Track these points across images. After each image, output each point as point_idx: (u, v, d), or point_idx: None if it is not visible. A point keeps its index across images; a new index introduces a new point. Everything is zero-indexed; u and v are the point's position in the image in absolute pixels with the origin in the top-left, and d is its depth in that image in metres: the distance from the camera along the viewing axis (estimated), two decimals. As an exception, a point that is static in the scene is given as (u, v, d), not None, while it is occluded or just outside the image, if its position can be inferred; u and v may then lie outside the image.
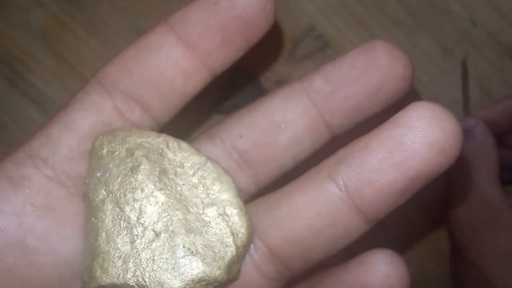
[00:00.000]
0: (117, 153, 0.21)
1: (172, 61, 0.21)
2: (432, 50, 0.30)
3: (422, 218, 0.33)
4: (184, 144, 0.22)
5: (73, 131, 0.21)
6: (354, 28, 0.29)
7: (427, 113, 0.18)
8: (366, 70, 0.22)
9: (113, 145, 0.21)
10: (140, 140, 0.22)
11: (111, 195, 0.21)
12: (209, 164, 0.22)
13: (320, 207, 0.20)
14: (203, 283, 0.20)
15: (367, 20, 0.29)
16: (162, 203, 0.21)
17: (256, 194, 0.24)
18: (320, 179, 0.21)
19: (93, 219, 0.21)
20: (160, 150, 0.21)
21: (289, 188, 0.22)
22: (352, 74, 0.22)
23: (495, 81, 0.31)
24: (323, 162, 0.21)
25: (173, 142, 0.22)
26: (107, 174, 0.21)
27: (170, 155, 0.21)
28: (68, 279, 0.21)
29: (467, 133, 0.30)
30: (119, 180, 0.21)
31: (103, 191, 0.21)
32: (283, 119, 0.23)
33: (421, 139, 0.18)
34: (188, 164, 0.22)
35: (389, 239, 0.32)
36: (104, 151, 0.21)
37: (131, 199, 0.21)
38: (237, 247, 0.21)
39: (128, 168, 0.21)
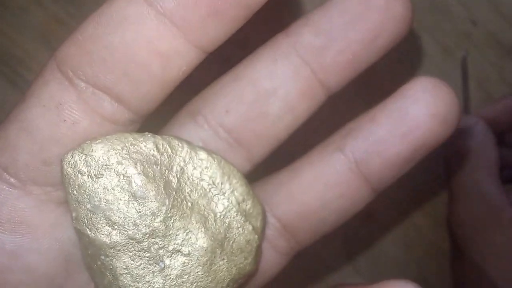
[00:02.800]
0: (104, 175, 0.18)
1: (143, 40, 0.16)
2: (432, 50, 0.30)
3: (422, 218, 0.33)
4: (174, 141, 0.19)
5: (31, 134, 0.18)
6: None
7: (430, 86, 0.19)
8: (361, 13, 0.19)
9: (92, 165, 0.18)
10: (123, 151, 0.18)
11: (118, 228, 0.18)
12: (210, 158, 0.20)
13: (330, 180, 0.21)
14: (239, 281, 0.20)
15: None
16: (179, 222, 0.19)
17: (252, 171, 0.22)
18: (328, 153, 0.21)
19: (102, 257, 0.18)
20: (153, 158, 0.19)
21: (298, 164, 0.22)
22: (345, 20, 0.19)
23: (495, 81, 0.31)
24: (330, 137, 0.21)
25: (161, 143, 0.19)
26: (102, 205, 0.18)
27: (165, 160, 0.19)
28: None
29: (467, 132, 0.30)
30: (120, 209, 0.18)
31: (105, 226, 0.18)
32: (271, 85, 0.21)
33: (425, 110, 0.19)
34: (190, 167, 0.19)
35: (390, 239, 0.32)
36: (84, 177, 0.18)
37: (145, 227, 0.18)
38: (258, 237, 0.20)
39: (127, 192, 0.18)
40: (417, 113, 0.19)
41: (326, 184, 0.21)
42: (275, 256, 0.22)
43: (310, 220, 0.21)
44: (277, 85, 0.20)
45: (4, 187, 0.18)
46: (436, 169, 0.32)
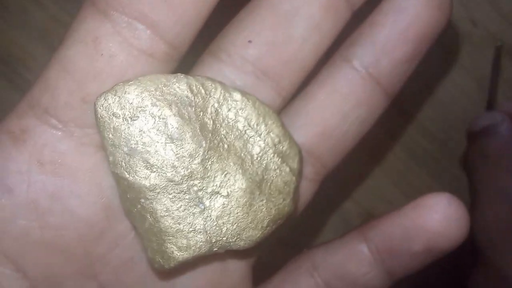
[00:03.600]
0: (139, 118, 0.18)
1: None
2: (432, 49, 0.30)
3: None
4: (207, 82, 0.19)
5: (70, 72, 0.18)
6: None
7: None
8: None
9: (126, 107, 0.18)
10: (157, 92, 0.18)
11: (156, 170, 0.18)
12: (244, 99, 0.19)
13: (345, 91, 0.21)
14: (278, 221, 0.20)
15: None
16: (217, 164, 0.19)
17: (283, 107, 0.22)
18: (337, 67, 0.21)
19: (141, 200, 0.18)
20: (187, 100, 0.18)
21: (310, 88, 0.22)
22: None
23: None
24: (335, 53, 0.22)
25: (195, 84, 0.18)
26: (139, 147, 0.18)
27: (199, 102, 0.18)
28: (90, 240, 0.19)
29: (492, 129, 0.28)
30: (158, 151, 0.18)
31: (143, 169, 0.18)
32: (292, 6, 0.20)
33: (420, 1, 0.20)
34: (225, 108, 0.19)
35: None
36: (119, 120, 0.18)
37: (183, 169, 0.18)
38: (296, 178, 0.20)
39: (163, 134, 0.18)
40: (413, 6, 0.20)
41: (342, 96, 0.21)
42: (303, 184, 0.22)
43: (332, 137, 0.21)
44: (299, 4, 0.20)
45: (46, 128, 0.18)
46: (436, 170, 0.32)
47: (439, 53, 0.32)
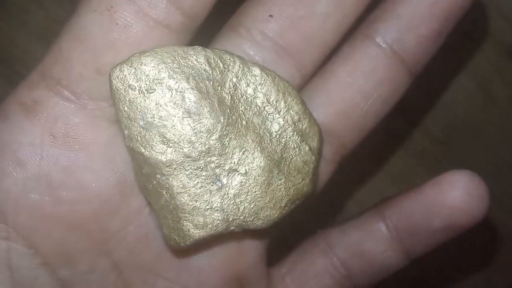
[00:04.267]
0: (155, 90, 0.17)
1: None
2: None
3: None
4: (225, 56, 0.18)
5: (83, 41, 0.17)
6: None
7: None
8: None
9: (142, 79, 0.17)
10: (174, 64, 0.17)
11: (173, 145, 0.17)
12: (263, 74, 0.18)
13: (367, 69, 0.20)
14: (296, 202, 0.19)
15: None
16: (235, 140, 0.18)
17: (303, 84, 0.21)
18: (359, 43, 0.21)
19: (157, 176, 0.18)
20: (205, 73, 0.18)
21: (331, 65, 0.21)
22: None
23: (495, 81, 0.31)
24: (356, 31, 0.21)
25: (213, 57, 0.18)
26: (155, 121, 0.17)
27: (217, 75, 0.18)
28: (104, 216, 0.19)
29: None
30: (175, 126, 0.17)
31: (159, 143, 0.17)
32: None
33: None
34: (243, 83, 0.18)
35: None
36: (135, 92, 0.17)
37: (200, 145, 0.18)
38: (316, 158, 0.19)
39: (180, 107, 0.17)
40: None
41: (364, 74, 0.20)
42: (321, 164, 0.21)
43: (352, 116, 0.21)
44: None
45: (59, 100, 0.18)
46: (437, 170, 0.32)
47: (439, 53, 0.32)
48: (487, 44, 0.30)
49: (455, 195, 0.19)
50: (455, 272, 0.33)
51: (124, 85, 0.17)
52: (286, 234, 0.23)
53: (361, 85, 0.20)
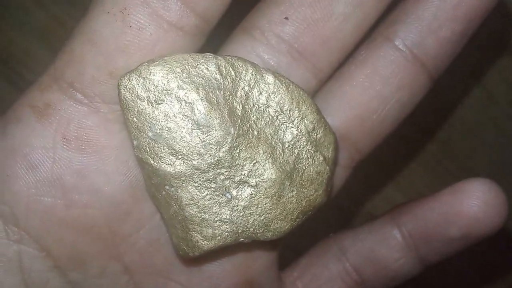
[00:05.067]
0: (164, 101, 0.17)
1: None
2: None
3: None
4: (237, 63, 0.17)
5: (96, 44, 0.17)
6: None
7: None
8: None
9: (151, 89, 0.17)
10: (184, 74, 0.17)
11: (182, 157, 0.17)
12: (277, 82, 0.18)
13: (386, 73, 0.19)
14: (309, 213, 0.19)
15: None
16: (246, 152, 0.18)
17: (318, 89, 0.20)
18: (378, 45, 0.20)
19: (166, 187, 0.18)
20: (216, 82, 0.17)
21: (347, 68, 0.20)
22: None
23: (495, 81, 0.31)
24: (373, 33, 0.20)
25: (224, 65, 0.17)
26: (164, 133, 0.17)
27: (229, 84, 0.17)
28: (116, 219, 0.19)
29: None
30: (184, 138, 0.17)
31: (168, 155, 0.17)
32: None
33: None
34: (256, 92, 0.18)
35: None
36: (143, 103, 0.17)
37: (210, 157, 0.17)
38: (330, 168, 0.19)
39: (189, 119, 0.17)
40: None
41: (382, 78, 0.20)
42: (337, 170, 0.21)
43: (369, 122, 0.20)
44: None
45: (71, 103, 0.18)
46: (437, 169, 0.32)
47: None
48: (488, 43, 0.30)
49: (473, 204, 0.19)
50: (455, 273, 0.33)
51: (133, 95, 0.17)
52: (296, 236, 0.23)
53: (379, 90, 0.20)
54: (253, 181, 0.18)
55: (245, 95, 0.18)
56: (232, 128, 0.17)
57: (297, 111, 0.18)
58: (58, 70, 0.18)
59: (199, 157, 0.17)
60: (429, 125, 0.31)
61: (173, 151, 0.17)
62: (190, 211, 0.18)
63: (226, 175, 0.18)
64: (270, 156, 0.18)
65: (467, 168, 0.32)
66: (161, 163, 0.17)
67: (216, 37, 0.19)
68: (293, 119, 0.18)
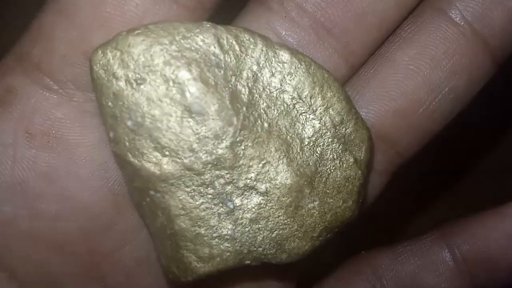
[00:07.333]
0: (146, 81, 0.13)
1: None
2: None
3: (425, 220, 0.33)
4: (243, 35, 0.14)
5: (69, 17, 0.14)
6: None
7: None
8: None
9: (130, 66, 0.13)
10: (172, 46, 0.13)
11: (169, 154, 0.14)
12: (294, 60, 0.14)
13: (437, 54, 0.16)
14: (335, 230, 0.15)
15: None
16: (252, 149, 0.14)
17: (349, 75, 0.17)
18: (427, 20, 0.16)
19: (151, 192, 0.14)
20: (214, 58, 0.14)
21: (386, 48, 0.17)
22: None
23: (495, 81, 0.31)
24: (422, 3, 0.16)
25: (226, 37, 0.14)
26: (146, 122, 0.14)
27: (231, 62, 0.14)
28: (95, 234, 0.16)
29: None
30: (172, 128, 0.14)
31: (152, 150, 0.14)
32: None
33: None
34: (267, 72, 0.14)
35: (393, 242, 0.32)
36: (120, 83, 0.13)
37: (206, 154, 0.14)
38: (362, 173, 0.15)
39: (179, 104, 0.13)
40: None
41: (432, 60, 0.16)
42: (370, 177, 0.17)
43: (414, 116, 0.16)
44: None
45: (37, 89, 0.15)
46: (437, 169, 0.32)
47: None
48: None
49: None
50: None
51: (108, 73, 0.14)
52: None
53: (427, 75, 0.16)
54: (262, 187, 0.14)
55: (253, 76, 0.14)
56: (235, 118, 0.14)
57: (320, 99, 0.15)
58: (23, 49, 0.15)
59: (191, 154, 0.14)
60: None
61: (158, 145, 0.14)
62: (181, 224, 0.14)
63: (227, 178, 0.14)
64: (285, 155, 0.15)
65: (468, 168, 0.32)
66: (144, 161, 0.14)
67: (225, 11, 0.16)
68: (315, 108, 0.15)
